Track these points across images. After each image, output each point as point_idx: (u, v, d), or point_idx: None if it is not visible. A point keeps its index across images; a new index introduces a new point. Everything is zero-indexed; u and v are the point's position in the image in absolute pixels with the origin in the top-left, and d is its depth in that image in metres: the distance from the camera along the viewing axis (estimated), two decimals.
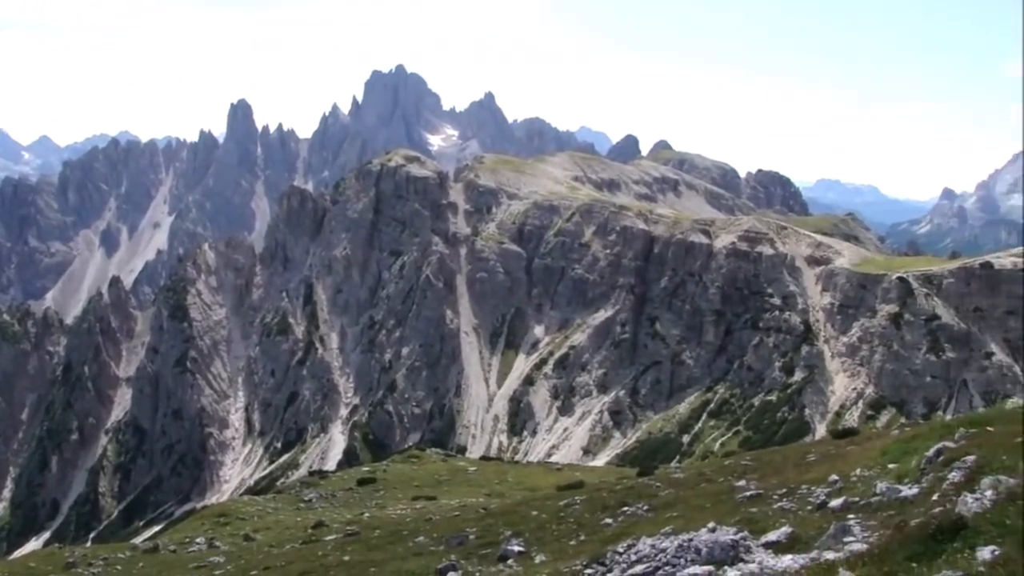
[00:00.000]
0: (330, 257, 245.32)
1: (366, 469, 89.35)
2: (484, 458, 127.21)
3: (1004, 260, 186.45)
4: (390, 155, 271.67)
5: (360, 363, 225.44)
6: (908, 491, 22.02)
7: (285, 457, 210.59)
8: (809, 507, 24.76)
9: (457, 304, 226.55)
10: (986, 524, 12.15)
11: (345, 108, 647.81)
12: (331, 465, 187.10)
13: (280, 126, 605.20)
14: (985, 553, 10.61)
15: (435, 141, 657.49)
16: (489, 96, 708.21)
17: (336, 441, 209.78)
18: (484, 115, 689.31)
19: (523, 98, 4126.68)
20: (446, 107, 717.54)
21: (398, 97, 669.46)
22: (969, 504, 14.22)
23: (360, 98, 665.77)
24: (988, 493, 15.22)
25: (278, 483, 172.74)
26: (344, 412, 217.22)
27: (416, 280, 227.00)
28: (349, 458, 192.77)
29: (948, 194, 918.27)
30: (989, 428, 29.57)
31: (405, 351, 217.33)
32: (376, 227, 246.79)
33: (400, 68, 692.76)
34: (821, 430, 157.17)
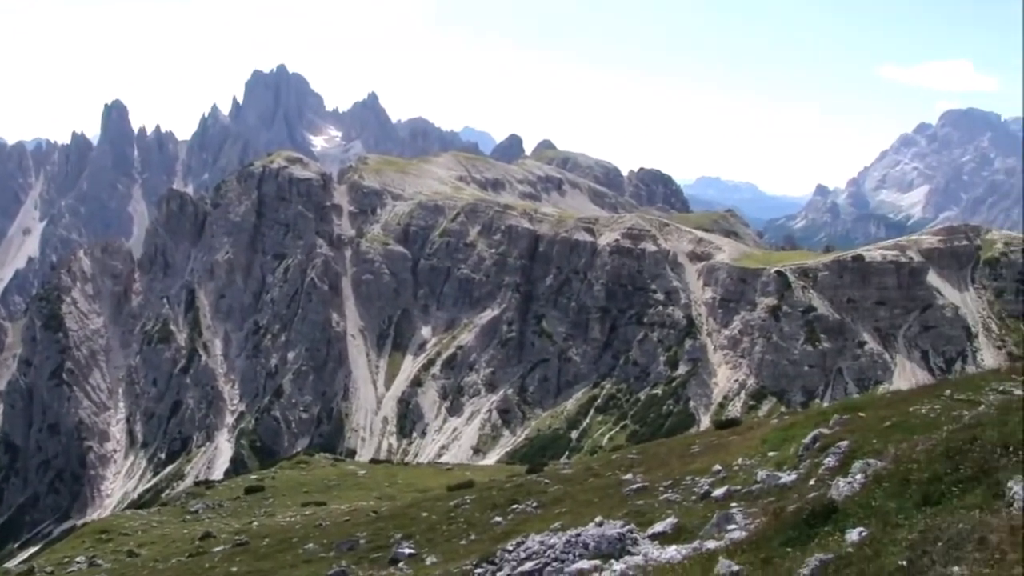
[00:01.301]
0: (212, 262, 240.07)
1: (254, 477, 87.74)
2: (374, 461, 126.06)
3: (874, 253, 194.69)
4: (272, 157, 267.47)
5: (245, 369, 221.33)
6: (787, 478, 22.77)
7: (170, 468, 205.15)
8: (694, 497, 25.32)
9: (343, 307, 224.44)
10: (855, 507, 12.68)
11: (225, 109, 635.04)
12: (218, 474, 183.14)
13: (158, 127, 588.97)
14: (853, 535, 11.08)
15: (318, 142, 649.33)
16: (372, 96, 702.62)
17: (222, 449, 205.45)
18: (367, 115, 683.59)
19: (407, 98, 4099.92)
20: (329, 107, 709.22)
21: (280, 97, 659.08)
22: (841, 488, 14.81)
23: (241, 98, 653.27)
24: (858, 477, 15.88)
25: (163, 495, 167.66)
26: (230, 420, 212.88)
27: (301, 283, 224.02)
28: (236, 466, 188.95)
29: (821, 190, 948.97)
30: (861, 414, 30.74)
31: (291, 356, 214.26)
32: (259, 230, 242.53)
33: (282, 68, 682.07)
34: (705, 421, 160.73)
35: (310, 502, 65.11)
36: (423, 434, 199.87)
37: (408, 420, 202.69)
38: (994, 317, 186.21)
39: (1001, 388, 31.23)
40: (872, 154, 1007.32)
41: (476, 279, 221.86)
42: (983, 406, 24.84)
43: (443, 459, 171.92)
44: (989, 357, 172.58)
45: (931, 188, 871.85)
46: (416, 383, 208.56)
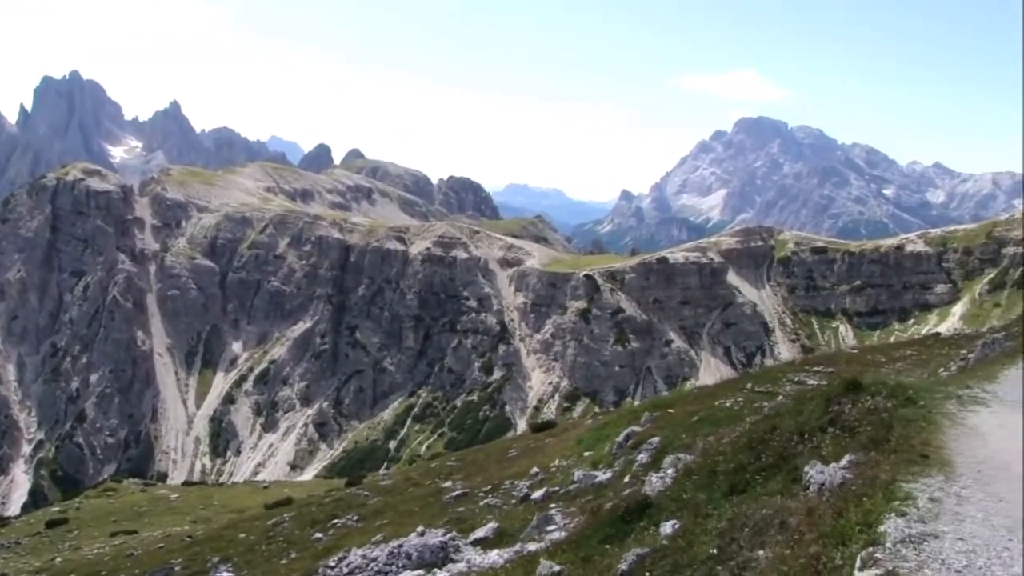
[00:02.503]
0: (2, 281, 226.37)
1: (56, 509, 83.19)
2: (187, 483, 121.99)
3: (677, 255, 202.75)
4: (67, 168, 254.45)
5: (43, 394, 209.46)
6: (603, 476, 23.44)
7: None
8: (513, 501, 25.73)
9: (148, 324, 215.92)
10: (667, 500, 13.22)
11: (12, 117, 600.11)
12: (15, 509, 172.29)
13: None
14: (667, 527, 11.56)
15: (117, 153, 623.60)
16: (175, 105, 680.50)
17: (19, 482, 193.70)
18: (170, 125, 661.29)
19: (210, 107, 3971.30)
20: (128, 116, 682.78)
21: (74, 105, 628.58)
22: (653, 483, 15.37)
23: (29, 106, 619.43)
24: (670, 471, 16.53)
25: None
26: (27, 449, 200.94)
27: (102, 301, 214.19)
28: (36, 499, 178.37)
29: (626, 195, 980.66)
30: (670, 410, 31.99)
31: (94, 378, 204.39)
32: (54, 246, 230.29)
33: (75, 74, 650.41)
34: (522, 425, 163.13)
35: (120, 531, 62.34)
36: (238, 452, 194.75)
37: (222, 439, 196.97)
38: (788, 312, 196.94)
39: (797, 379, 33.12)
40: (673, 160, 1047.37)
41: (287, 291, 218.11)
42: (781, 397, 26.32)
43: (260, 477, 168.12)
44: (785, 350, 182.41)
45: (728, 192, 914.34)
46: (228, 400, 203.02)
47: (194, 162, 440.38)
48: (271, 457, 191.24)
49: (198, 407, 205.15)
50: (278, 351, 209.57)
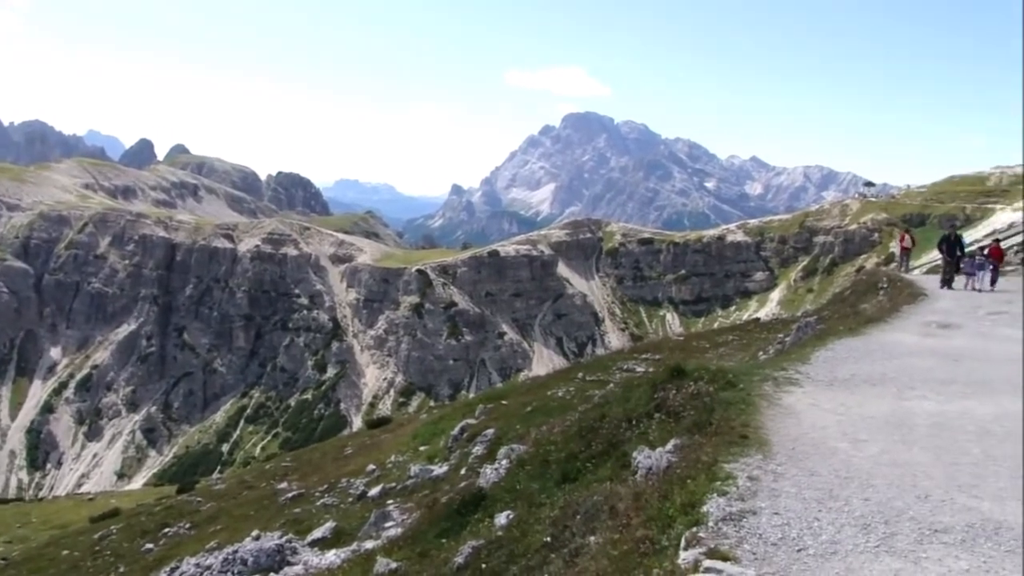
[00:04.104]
0: None
1: None
2: (1, 501, 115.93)
3: (508, 248, 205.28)
4: None
5: None
6: (439, 470, 23.58)
7: None
8: (350, 499, 25.60)
9: None
10: (501, 492, 13.43)
11: None
12: None
13: None
14: (502, 519, 11.75)
15: None
16: None
17: None
18: None
19: (20, 99, 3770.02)
20: None
21: None
22: (488, 475, 15.59)
23: None
24: (504, 462, 16.78)
25: None
26: None
27: None
28: None
29: (457, 190, 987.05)
30: (504, 402, 32.42)
31: None
32: None
33: None
34: (358, 422, 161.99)
35: None
36: (59, 464, 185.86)
37: (40, 451, 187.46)
38: (617, 302, 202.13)
39: (626, 367, 34.08)
40: (503, 155, 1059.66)
41: (109, 293, 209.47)
42: (611, 385, 27.02)
43: (84, 489, 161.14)
44: (615, 339, 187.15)
45: (557, 186, 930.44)
46: (47, 409, 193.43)
47: (3, 157, 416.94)
48: (96, 467, 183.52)
49: (13, 418, 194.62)
50: (101, 355, 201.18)
